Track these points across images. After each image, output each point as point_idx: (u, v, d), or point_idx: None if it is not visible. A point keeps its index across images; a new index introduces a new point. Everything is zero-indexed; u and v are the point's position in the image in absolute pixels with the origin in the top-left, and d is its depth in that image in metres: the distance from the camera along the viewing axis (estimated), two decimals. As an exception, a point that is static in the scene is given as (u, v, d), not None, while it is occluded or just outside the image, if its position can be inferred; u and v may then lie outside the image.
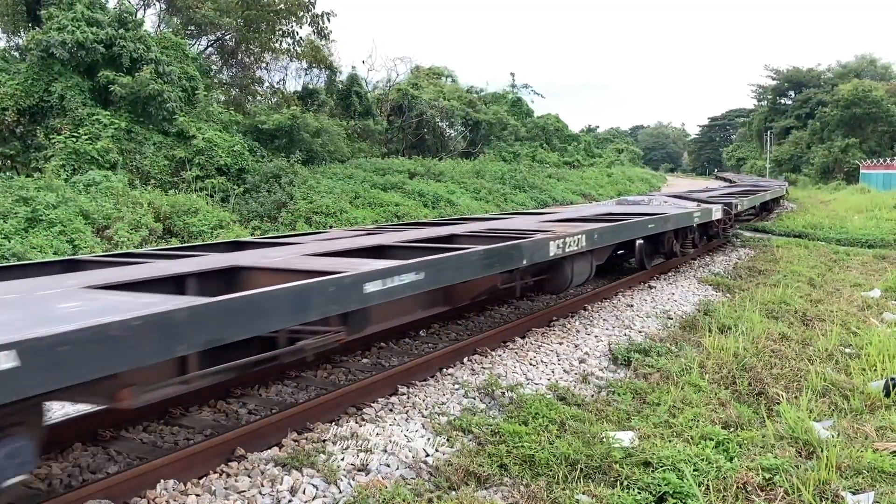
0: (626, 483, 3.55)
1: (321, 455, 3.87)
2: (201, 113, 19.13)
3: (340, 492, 3.55)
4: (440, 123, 34.00)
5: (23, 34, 20.26)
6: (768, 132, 61.21)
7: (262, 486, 3.56)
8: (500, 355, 6.05)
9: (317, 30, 26.24)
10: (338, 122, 25.47)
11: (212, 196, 15.88)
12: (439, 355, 5.70)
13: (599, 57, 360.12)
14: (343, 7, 55.76)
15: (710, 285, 9.90)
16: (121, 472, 3.47)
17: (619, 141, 72.16)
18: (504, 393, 5.02)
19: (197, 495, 3.45)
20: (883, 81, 52.15)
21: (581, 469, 3.70)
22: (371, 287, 4.01)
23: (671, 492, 3.42)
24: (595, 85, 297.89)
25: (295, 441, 4.11)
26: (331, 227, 14.13)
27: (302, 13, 25.32)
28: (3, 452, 2.54)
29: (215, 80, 25.57)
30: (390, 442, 4.12)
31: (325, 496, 3.51)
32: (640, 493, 3.44)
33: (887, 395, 4.85)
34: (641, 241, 9.38)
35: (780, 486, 3.47)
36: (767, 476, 3.57)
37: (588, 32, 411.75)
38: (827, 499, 3.41)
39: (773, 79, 66.52)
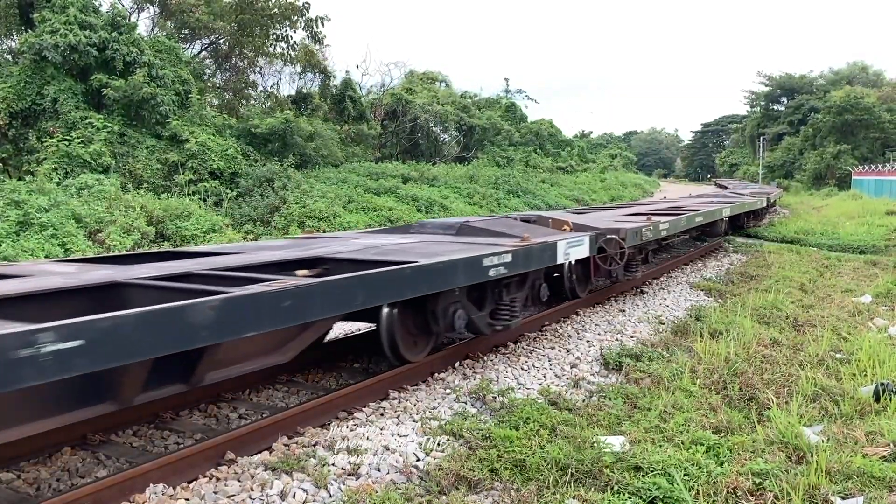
0: (616, 488, 3.55)
1: (311, 459, 3.86)
2: (194, 116, 19.11)
3: (330, 496, 3.54)
4: (434, 128, 33.98)
5: (15, 37, 20.23)
6: (761, 138, 61.49)
7: (252, 490, 3.55)
8: (491, 360, 6.05)
9: (311, 34, 26.29)
10: (331, 127, 25.48)
11: (205, 200, 15.87)
12: (431, 360, 5.70)
13: (594, 62, 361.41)
14: (337, 12, 56.00)
15: (702, 290, 9.92)
16: (110, 476, 3.45)
17: (612, 146, 72.27)
18: (495, 398, 5.01)
19: (186, 499, 3.43)
20: (875, 88, 52.42)
21: (572, 474, 3.70)
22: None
23: (661, 496, 3.43)
24: (590, 88, 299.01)
25: (285, 445, 4.10)
26: (324, 230, 14.08)
27: (296, 17, 25.37)
28: None
29: (209, 84, 25.58)
30: (381, 446, 4.11)
31: (314, 500, 3.51)
32: (630, 497, 3.45)
33: (877, 400, 4.87)
34: None
35: (770, 491, 3.48)
36: (757, 481, 3.57)
37: (582, 39, 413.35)
38: (816, 503, 3.42)
39: (766, 85, 66.79)
